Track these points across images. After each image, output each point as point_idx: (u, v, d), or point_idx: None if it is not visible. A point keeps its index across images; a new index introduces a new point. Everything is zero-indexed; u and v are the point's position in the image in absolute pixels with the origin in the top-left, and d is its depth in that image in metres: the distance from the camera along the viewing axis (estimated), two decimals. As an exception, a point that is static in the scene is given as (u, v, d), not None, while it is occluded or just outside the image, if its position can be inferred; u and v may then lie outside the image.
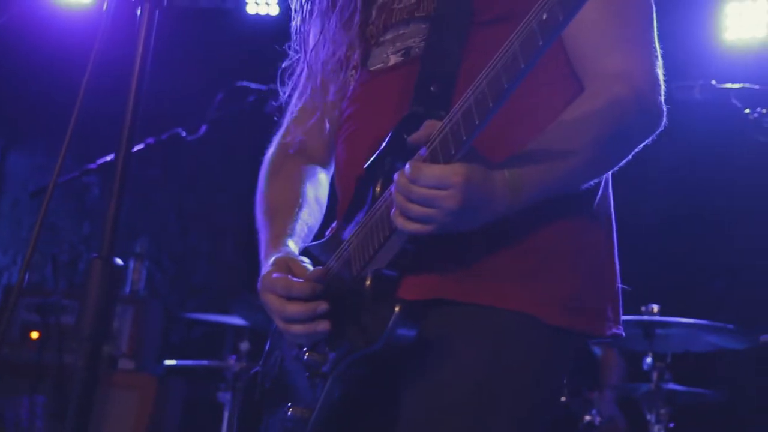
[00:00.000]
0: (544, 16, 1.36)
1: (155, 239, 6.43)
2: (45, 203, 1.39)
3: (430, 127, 1.53)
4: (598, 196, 1.72)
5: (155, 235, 6.45)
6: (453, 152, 1.47)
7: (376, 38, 1.80)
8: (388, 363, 1.59)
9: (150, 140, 4.48)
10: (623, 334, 1.69)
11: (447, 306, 1.60)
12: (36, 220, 1.43)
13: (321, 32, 1.88)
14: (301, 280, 1.64)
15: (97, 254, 1.26)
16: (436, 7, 1.70)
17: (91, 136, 3.24)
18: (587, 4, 1.36)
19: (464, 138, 1.45)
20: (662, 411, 4.07)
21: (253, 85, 4.47)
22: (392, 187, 1.53)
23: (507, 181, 1.51)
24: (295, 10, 1.98)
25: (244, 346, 5.02)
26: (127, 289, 5.67)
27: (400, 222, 1.50)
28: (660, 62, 1.67)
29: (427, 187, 1.46)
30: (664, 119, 1.69)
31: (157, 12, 1.39)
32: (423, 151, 1.51)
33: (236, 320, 5.09)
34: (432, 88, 1.65)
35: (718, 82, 3.90)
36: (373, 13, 1.81)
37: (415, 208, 1.47)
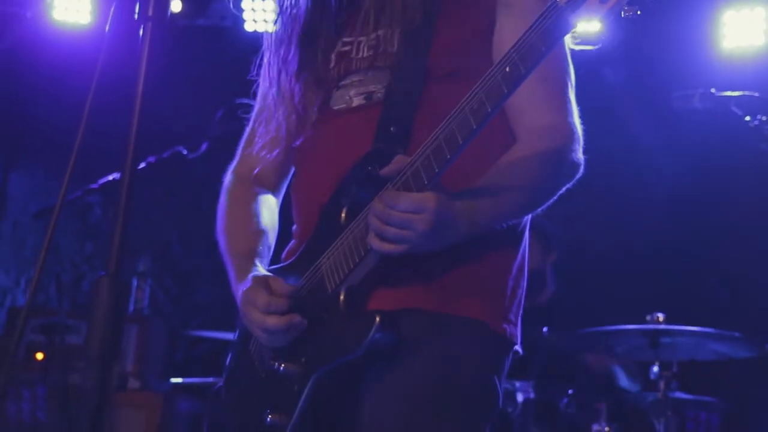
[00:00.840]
0: (507, 69, 1.65)
1: (158, 258, 6.42)
2: (52, 225, 1.39)
3: (400, 161, 1.78)
4: (526, 231, 2.02)
5: (158, 254, 6.45)
6: (426, 182, 1.72)
7: (336, 82, 2.02)
8: (359, 368, 1.82)
9: (151, 159, 4.49)
10: (520, 353, 1.99)
11: (413, 314, 1.84)
12: (38, 240, 1.43)
13: (282, 70, 2.10)
14: (278, 294, 1.86)
15: (104, 272, 1.26)
16: (395, 60, 1.94)
17: (93, 155, 3.24)
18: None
19: (436, 170, 1.71)
20: (670, 419, 4.05)
21: (253, 102, 4.48)
22: (369, 212, 1.76)
23: (466, 210, 1.78)
24: (265, 47, 2.22)
25: (249, 363, 5.00)
26: (131, 308, 5.66)
27: (377, 244, 1.74)
28: (577, 114, 1.96)
29: (403, 211, 1.71)
30: (582, 168, 1.94)
31: (159, 30, 1.39)
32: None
33: (240, 337, 5.07)
34: (392, 129, 1.90)
35: (717, 91, 3.91)
36: (333, 59, 2.04)
37: (392, 230, 1.72)
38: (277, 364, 1.91)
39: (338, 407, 1.90)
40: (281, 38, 2.12)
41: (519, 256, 1.99)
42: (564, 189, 1.93)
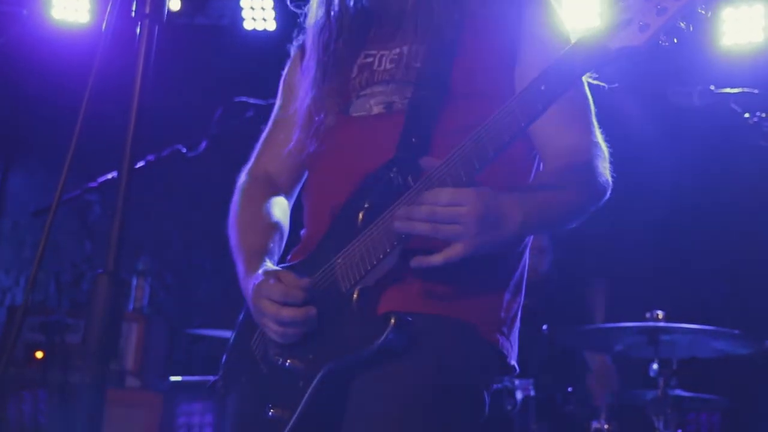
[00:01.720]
0: (543, 87, 1.70)
1: (158, 256, 6.43)
2: (48, 223, 1.39)
3: (429, 161, 1.81)
4: (526, 252, 2.06)
5: (158, 252, 6.45)
6: (477, 167, 1.74)
7: (356, 92, 2.07)
8: (362, 366, 1.85)
9: (150, 157, 4.48)
10: (517, 369, 2.02)
11: (411, 317, 1.86)
12: (37, 239, 1.43)
13: (303, 78, 2.15)
14: (293, 286, 1.88)
15: (102, 270, 1.26)
16: (419, 75, 2.00)
17: (91, 154, 3.24)
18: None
19: (491, 153, 1.73)
20: (669, 417, 4.06)
21: (251, 100, 4.48)
22: (405, 218, 1.76)
23: (517, 203, 1.80)
24: (293, 54, 2.27)
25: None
26: (131, 307, 5.67)
27: (438, 258, 1.75)
28: (600, 134, 2.02)
29: (446, 205, 1.71)
30: (609, 190, 1.99)
31: (157, 28, 1.39)
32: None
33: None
34: (413, 140, 1.95)
35: (716, 88, 3.90)
36: (355, 69, 2.09)
37: (444, 228, 1.72)
38: (281, 359, 1.94)
39: (338, 404, 1.91)
40: (308, 56, 2.17)
41: (517, 274, 2.03)
42: (592, 209, 1.96)
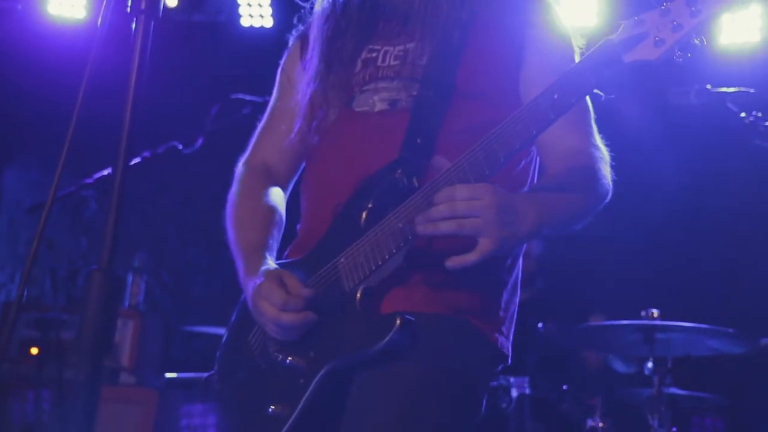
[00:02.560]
0: (555, 96, 1.71)
1: (154, 253, 6.42)
2: (43, 218, 1.38)
3: (439, 161, 1.82)
4: (521, 255, 2.09)
5: (154, 249, 6.44)
6: (487, 172, 1.75)
7: (360, 86, 2.06)
8: (364, 364, 1.86)
9: (146, 154, 4.47)
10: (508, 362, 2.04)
11: (414, 316, 1.86)
12: (33, 236, 1.42)
13: (306, 70, 2.14)
14: (294, 293, 1.89)
15: (96, 266, 1.26)
16: (425, 74, 2.00)
17: (87, 150, 3.23)
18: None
19: (501, 160, 1.74)
20: (664, 415, 4.06)
21: (248, 97, 4.47)
22: (423, 225, 1.77)
23: (530, 201, 1.81)
24: (291, 44, 2.26)
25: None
26: (126, 303, 5.66)
27: (471, 257, 1.75)
28: (600, 139, 2.04)
29: (464, 200, 1.72)
30: (610, 193, 2.01)
31: (152, 24, 1.39)
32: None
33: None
34: (418, 140, 1.94)
35: (713, 87, 3.90)
36: (358, 64, 2.08)
37: (466, 223, 1.72)
38: (281, 356, 1.95)
39: (338, 401, 1.92)
40: (312, 48, 2.16)
41: (514, 274, 2.06)
42: (595, 212, 1.98)
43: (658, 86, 4.52)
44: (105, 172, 4.49)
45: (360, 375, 1.88)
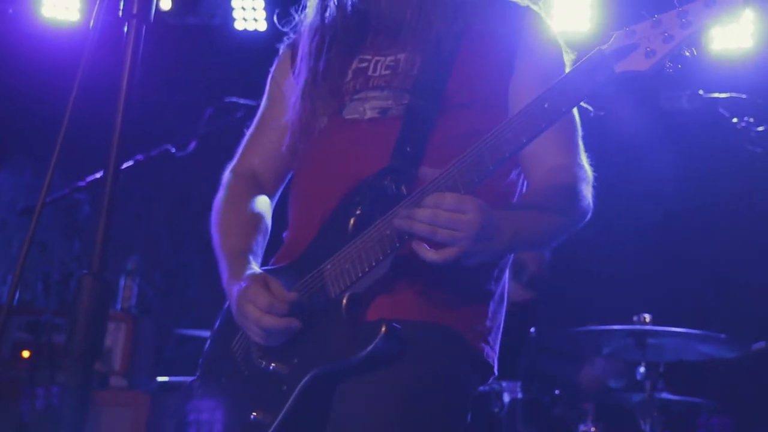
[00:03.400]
0: (546, 105, 1.72)
1: (147, 256, 6.41)
2: (34, 221, 1.38)
3: (426, 171, 1.84)
4: (508, 266, 2.09)
5: (147, 252, 6.43)
6: (476, 180, 1.76)
7: (350, 95, 2.06)
8: (348, 372, 1.85)
9: (139, 157, 4.47)
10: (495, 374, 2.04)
11: (400, 323, 1.86)
12: (25, 238, 1.42)
13: (296, 79, 2.14)
14: (279, 298, 1.88)
15: (87, 271, 1.26)
16: (415, 84, 2.00)
17: (80, 153, 3.23)
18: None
19: (491, 167, 1.75)
20: (656, 419, 4.07)
21: (241, 101, 4.47)
22: (403, 221, 1.76)
23: (508, 219, 1.82)
24: (282, 52, 2.28)
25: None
26: (119, 307, 5.65)
27: (431, 255, 1.75)
28: (585, 157, 2.05)
29: (448, 210, 1.71)
30: (591, 212, 2.02)
31: (144, 28, 1.39)
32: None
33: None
34: (408, 149, 1.95)
35: (705, 92, 3.92)
36: (349, 74, 2.09)
37: (442, 231, 1.72)
38: (265, 363, 1.94)
39: (321, 409, 1.91)
40: (302, 57, 2.16)
41: (501, 285, 2.06)
42: (574, 230, 1.99)
43: (650, 91, 4.54)
44: (98, 175, 4.48)
45: (345, 383, 1.87)
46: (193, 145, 4.59)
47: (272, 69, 2.29)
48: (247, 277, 1.95)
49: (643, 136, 5.48)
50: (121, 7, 1.41)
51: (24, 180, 6.71)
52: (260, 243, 2.11)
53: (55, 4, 6.05)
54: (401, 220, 1.77)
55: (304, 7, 2.22)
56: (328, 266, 1.91)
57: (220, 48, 6.28)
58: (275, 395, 1.89)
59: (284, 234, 2.17)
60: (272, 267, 2.08)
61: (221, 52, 6.28)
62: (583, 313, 4.82)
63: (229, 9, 6.16)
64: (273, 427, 1.88)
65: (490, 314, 2.00)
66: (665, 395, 4.16)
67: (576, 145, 2.03)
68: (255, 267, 2.01)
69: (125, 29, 1.40)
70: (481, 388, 4.01)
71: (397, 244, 1.81)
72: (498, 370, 2.04)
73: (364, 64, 2.09)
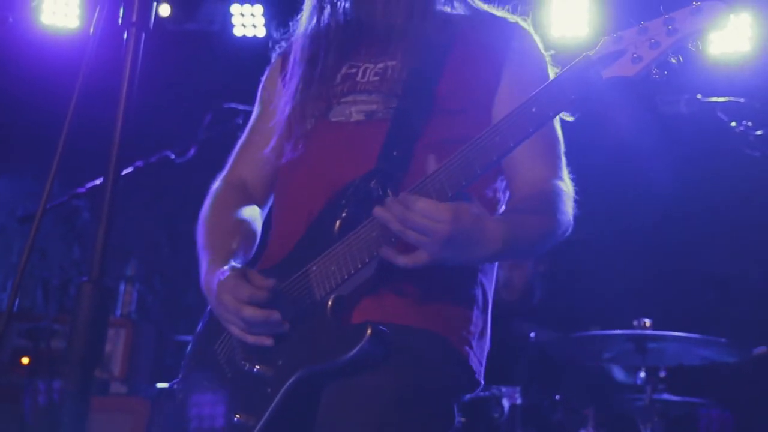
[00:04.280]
0: (534, 110, 1.73)
1: (146, 262, 6.41)
2: (34, 228, 1.38)
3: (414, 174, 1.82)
4: (494, 273, 2.11)
5: (146, 258, 6.43)
6: (464, 183, 1.76)
7: (338, 98, 2.08)
8: (333, 374, 1.84)
9: (139, 163, 4.47)
10: (481, 384, 2.05)
11: (387, 326, 1.86)
12: (25, 245, 1.43)
13: (290, 85, 2.15)
14: (259, 287, 1.88)
15: (87, 278, 1.26)
16: (404, 89, 2.02)
17: (80, 159, 3.24)
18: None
19: (478, 171, 1.75)
20: (657, 424, 4.07)
21: (241, 107, 4.48)
22: (382, 217, 1.76)
23: (500, 228, 1.81)
24: (275, 58, 2.29)
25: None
26: (119, 312, 5.65)
27: (402, 260, 1.76)
28: (566, 171, 2.06)
29: (421, 215, 1.71)
30: (571, 227, 2.02)
31: (143, 35, 1.39)
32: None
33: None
34: (394, 153, 1.96)
35: (703, 96, 3.93)
36: (338, 78, 2.10)
37: (411, 234, 1.72)
38: (249, 365, 1.93)
39: (306, 412, 1.90)
40: (292, 66, 2.18)
41: (486, 291, 2.07)
42: (554, 243, 1.99)
43: (648, 96, 4.54)
44: (97, 182, 4.48)
45: (330, 386, 1.87)
46: (192, 151, 4.60)
47: (263, 78, 2.31)
48: (226, 269, 1.95)
49: (642, 141, 5.49)
50: (121, 14, 1.41)
51: (24, 186, 6.71)
52: (244, 247, 2.11)
53: (54, 11, 6.06)
54: (380, 209, 1.77)
55: (299, 13, 2.23)
56: (314, 268, 1.91)
57: (219, 54, 6.29)
58: (259, 397, 1.88)
59: (269, 235, 2.17)
60: (258, 270, 2.06)
61: (220, 59, 6.28)
62: (583, 317, 4.82)
63: (228, 15, 6.17)
64: (257, 429, 1.87)
65: (474, 319, 2.01)
66: (665, 396, 4.16)
67: (559, 159, 2.05)
68: (234, 263, 2.01)
69: (125, 36, 1.40)
70: (481, 393, 4.04)
71: (383, 241, 1.81)
72: (498, 375, 2.04)
73: (354, 70, 2.10)
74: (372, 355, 1.81)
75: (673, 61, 1.69)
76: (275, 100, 2.19)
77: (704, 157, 5.35)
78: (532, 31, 2.12)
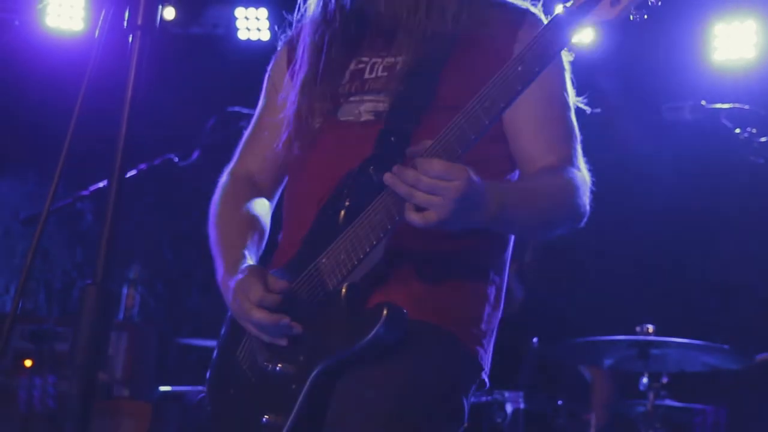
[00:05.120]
0: (520, 68, 1.73)
1: (149, 265, 6.41)
2: (38, 230, 1.39)
3: (424, 144, 1.78)
4: (506, 266, 2.09)
5: (149, 261, 6.44)
6: (459, 151, 1.74)
7: (346, 97, 2.07)
8: (353, 364, 1.84)
9: (143, 166, 4.47)
10: (486, 385, 2.05)
11: None
12: (28, 247, 1.43)
13: (293, 79, 2.13)
14: (272, 291, 1.89)
15: (91, 281, 1.26)
16: (406, 83, 2.01)
17: (83, 162, 3.24)
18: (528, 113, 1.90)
19: (472, 137, 1.74)
20: (659, 431, 4.06)
21: (244, 110, 4.47)
22: (396, 183, 1.73)
23: (496, 192, 1.79)
24: (280, 49, 2.28)
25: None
26: (121, 316, 5.65)
27: (412, 216, 1.72)
28: (582, 159, 2.04)
29: (435, 177, 1.69)
30: (587, 216, 2.00)
31: (148, 39, 1.39)
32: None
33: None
34: (392, 138, 1.96)
35: (707, 103, 3.92)
36: (346, 75, 2.09)
37: (421, 196, 1.70)
38: (271, 365, 1.93)
39: (328, 404, 1.89)
40: (299, 56, 2.15)
41: (498, 288, 2.05)
42: (565, 229, 1.97)
43: (652, 102, 4.54)
44: (101, 184, 4.49)
45: (345, 379, 1.86)
46: (196, 154, 4.60)
47: (269, 67, 2.29)
48: (244, 269, 1.95)
49: (646, 147, 5.49)
50: (126, 18, 1.41)
51: (27, 189, 6.72)
52: (256, 242, 2.11)
53: (59, 14, 6.07)
54: (389, 175, 1.75)
55: (305, 1, 2.21)
56: (324, 260, 1.91)
57: (223, 58, 6.30)
58: (285, 395, 1.88)
59: (279, 236, 2.17)
60: (270, 271, 2.06)
61: (225, 62, 6.29)
62: (585, 323, 4.81)
63: (233, 19, 6.18)
64: (286, 427, 1.87)
65: (485, 317, 2.00)
66: (668, 402, 4.15)
67: (574, 149, 2.03)
68: (251, 261, 2.01)
69: (130, 39, 1.40)
70: (484, 398, 4.03)
71: (389, 227, 1.80)
72: (501, 380, 2.04)
73: (362, 66, 2.09)
74: (390, 338, 1.80)
75: (651, 1, 1.68)
76: (282, 91, 2.18)
77: (708, 164, 5.34)
78: (542, 16, 2.07)
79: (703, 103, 3.89)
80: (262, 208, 2.21)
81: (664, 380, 4.24)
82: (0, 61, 5.81)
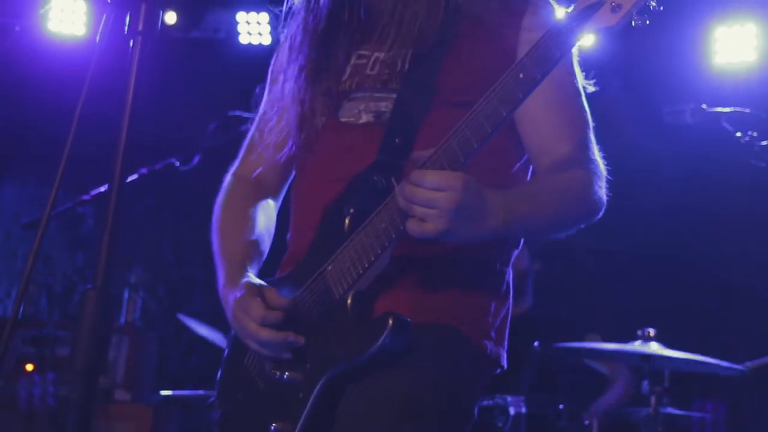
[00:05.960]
0: (521, 75, 1.69)
1: (150, 269, 6.41)
2: (39, 235, 1.39)
3: (426, 153, 1.75)
4: (511, 264, 2.06)
5: (150, 265, 6.44)
6: (463, 159, 1.71)
7: (347, 94, 2.03)
8: (360, 371, 1.83)
9: (144, 170, 4.48)
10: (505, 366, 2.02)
11: None
12: (29, 251, 1.43)
13: (294, 77, 2.09)
14: (274, 306, 1.88)
15: (91, 285, 1.26)
16: (405, 79, 1.98)
17: (84, 166, 3.24)
18: (537, 100, 1.78)
19: (475, 145, 1.70)
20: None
21: (246, 114, 4.46)
22: (396, 195, 1.72)
23: (501, 202, 1.75)
24: (279, 52, 2.23)
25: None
26: (123, 320, 5.65)
27: (410, 226, 1.70)
28: (597, 151, 2.00)
29: (429, 188, 1.67)
30: (604, 208, 1.96)
31: (149, 44, 1.40)
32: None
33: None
34: (396, 141, 1.93)
35: (708, 106, 3.92)
36: (347, 71, 2.05)
37: (417, 209, 1.68)
38: (279, 373, 1.93)
39: (336, 411, 1.89)
40: (295, 45, 2.11)
41: (504, 281, 2.03)
42: (583, 224, 1.94)
43: (653, 105, 4.54)
44: (102, 189, 4.49)
45: (350, 387, 1.86)
46: (197, 158, 4.60)
47: (271, 63, 2.25)
48: (242, 285, 1.93)
49: (647, 151, 5.48)
50: (127, 22, 1.41)
51: (28, 193, 6.73)
52: (260, 250, 2.09)
53: (61, 19, 6.08)
54: (399, 190, 1.73)
55: None
56: (329, 267, 1.89)
57: (224, 62, 6.31)
58: (293, 404, 1.88)
59: (288, 236, 2.15)
60: (276, 278, 2.06)
61: (226, 66, 6.30)
62: (587, 327, 4.81)
63: (234, 23, 6.19)
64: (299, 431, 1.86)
65: (492, 310, 1.98)
66: (670, 410, 4.14)
67: (587, 139, 1.98)
68: (251, 275, 1.99)
69: (131, 44, 1.40)
70: (486, 402, 4.03)
71: (393, 236, 1.79)
72: (502, 384, 2.02)
73: (363, 61, 2.05)
74: (396, 347, 1.80)
75: (653, 4, 1.66)
76: (280, 78, 2.14)
77: (709, 167, 5.35)
78: (551, 1, 2.02)
79: (704, 106, 3.90)
80: (266, 211, 2.18)
81: (666, 385, 4.23)
82: (1, 65, 5.82)
